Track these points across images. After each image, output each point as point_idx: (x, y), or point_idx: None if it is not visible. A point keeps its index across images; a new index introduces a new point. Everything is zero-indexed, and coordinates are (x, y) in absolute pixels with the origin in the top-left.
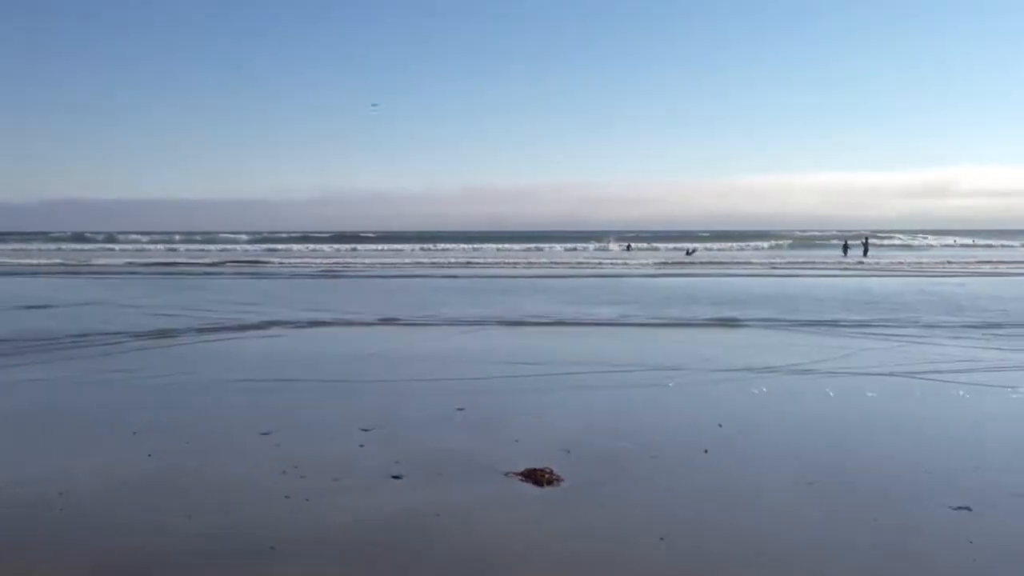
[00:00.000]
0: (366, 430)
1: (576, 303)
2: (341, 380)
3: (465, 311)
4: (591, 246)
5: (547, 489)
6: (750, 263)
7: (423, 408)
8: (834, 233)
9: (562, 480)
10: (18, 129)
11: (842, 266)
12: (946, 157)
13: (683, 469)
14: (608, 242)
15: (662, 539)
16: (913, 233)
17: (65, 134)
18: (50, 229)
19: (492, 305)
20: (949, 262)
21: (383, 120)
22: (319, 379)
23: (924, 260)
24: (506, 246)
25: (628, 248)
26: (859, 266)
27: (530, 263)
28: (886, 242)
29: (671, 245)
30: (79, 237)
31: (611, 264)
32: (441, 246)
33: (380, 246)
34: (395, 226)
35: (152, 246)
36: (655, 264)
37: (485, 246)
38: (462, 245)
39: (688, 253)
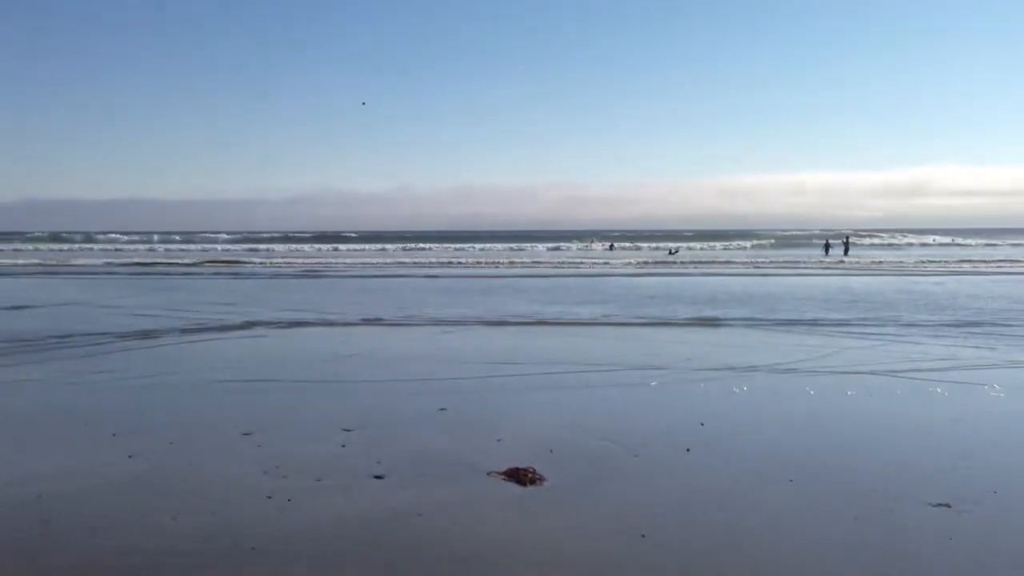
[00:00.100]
0: (348, 430)
1: (558, 303)
2: (323, 380)
3: (447, 311)
4: (574, 246)
5: (530, 488)
6: (732, 263)
7: (405, 408)
8: (816, 233)
9: (545, 479)
10: None
11: (823, 265)
12: (926, 157)
13: (665, 468)
14: (591, 242)
15: (644, 537)
16: (893, 232)
17: (42, 135)
18: (27, 229)
19: (474, 305)
20: (929, 261)
21: (364, 120)
22: (301, 379)
23: (904, 259)
24: (488, 246)
25: (611, 248)
26: (840, 265)
27: (512, 263)
28: (867, 241)
29: (654, 245)
30: (56, 237)
31: (593, 264)
32: (423, 246)
33: (362, 246)
34: (377, 226)
35: (131, 246)
36: (638, 264)
37: (467, 246)
38: (444, 245)
39: (671, 253)
